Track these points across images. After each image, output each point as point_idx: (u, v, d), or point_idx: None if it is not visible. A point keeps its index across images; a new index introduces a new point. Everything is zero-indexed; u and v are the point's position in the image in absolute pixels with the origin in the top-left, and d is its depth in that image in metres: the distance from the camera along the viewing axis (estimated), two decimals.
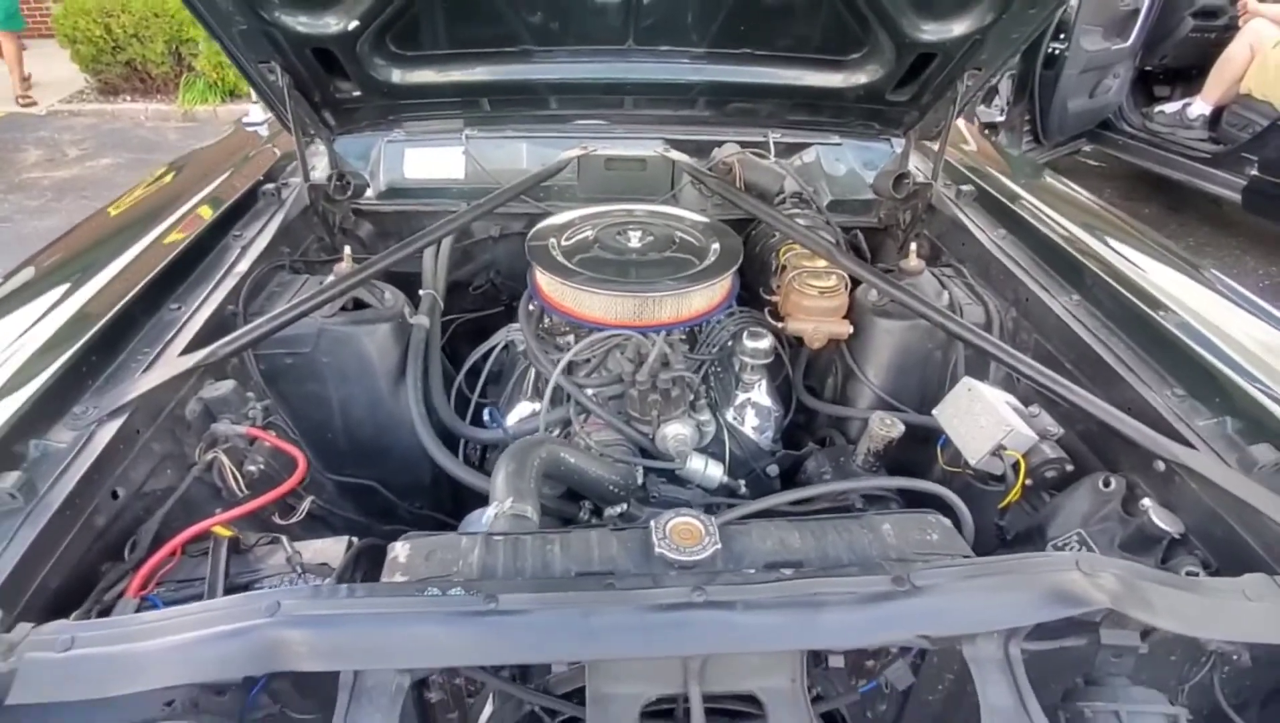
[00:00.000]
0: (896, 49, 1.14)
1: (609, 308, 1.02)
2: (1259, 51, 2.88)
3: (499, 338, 1.19)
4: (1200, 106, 3.21)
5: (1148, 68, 3.49)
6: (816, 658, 0.66)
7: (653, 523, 0.63)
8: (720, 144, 1.43)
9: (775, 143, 1.44)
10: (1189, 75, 3.47)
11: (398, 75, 1.16)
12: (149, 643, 0.53)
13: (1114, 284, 1.01)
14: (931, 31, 1.09)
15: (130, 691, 0.50)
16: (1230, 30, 3.12)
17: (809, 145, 1.48)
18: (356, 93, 1.18)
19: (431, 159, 1.40)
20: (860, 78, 1.22)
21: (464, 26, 1.10)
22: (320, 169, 1.27)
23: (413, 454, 1.06)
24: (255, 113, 1.72)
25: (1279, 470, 0.72)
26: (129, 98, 4.91)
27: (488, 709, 0.63)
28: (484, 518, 0.77)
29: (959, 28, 1.08)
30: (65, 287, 0.97)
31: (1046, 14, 1.07)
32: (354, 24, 1.02)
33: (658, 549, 0.61)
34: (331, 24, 1.01)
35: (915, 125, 1.32)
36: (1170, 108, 3.40)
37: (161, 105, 4.80)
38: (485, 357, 1.17)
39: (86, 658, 0.51)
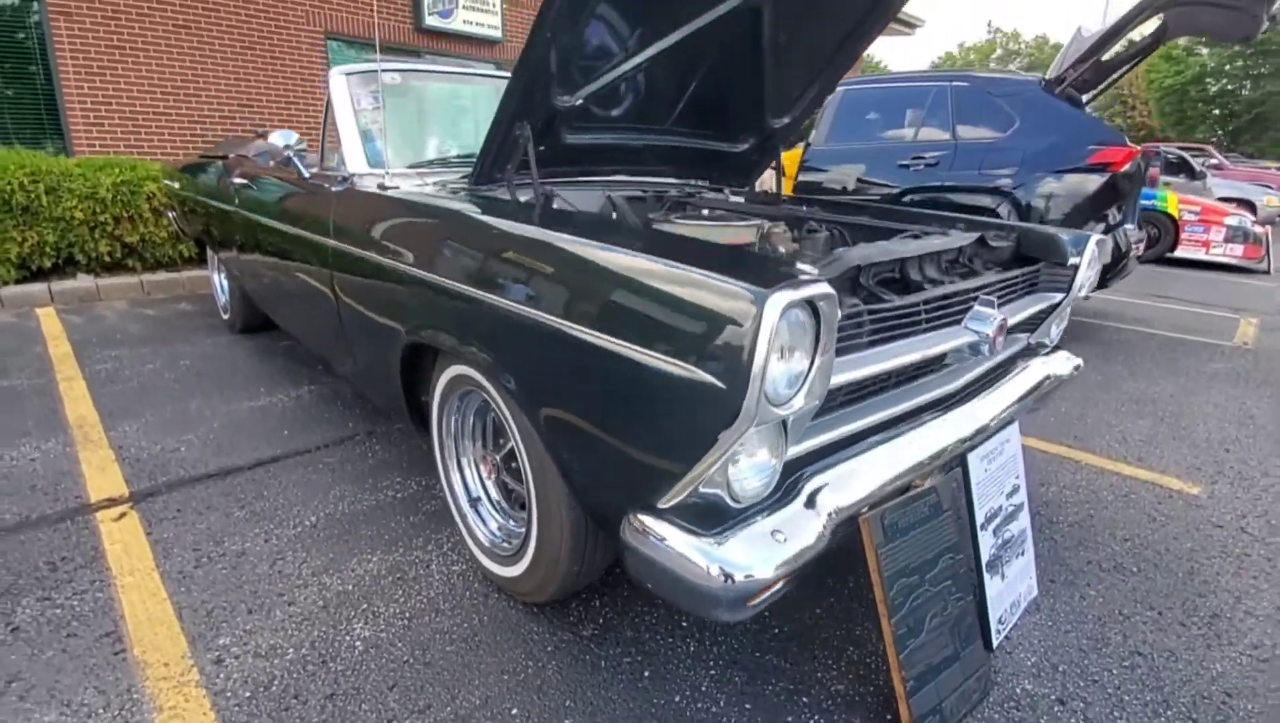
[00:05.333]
0: (760, 131, 2.46)
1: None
2: None
3: None
4: None
5: None
6: None
7: None
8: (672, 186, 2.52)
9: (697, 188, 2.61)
10: None
11: (570, 140, 1.93)
12: None
13: (879, 205, 2.45)
14: (776, 124, 2.44)
15: None
16: None
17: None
18: (541, 148, 1.88)
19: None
20: (745, 145, 2.50)
21: (598, 125, 1.97)
22: None
23: None
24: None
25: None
26: None
27: None
28: None
29: (783, 121, 2.46)
30: None
31: (810, 113, 2.52)
32: (579, 101, 1.81)
33: None
34: (574, 100, 1.78)
35: (754, 171, 2.66)
36: None
37: None
38: None
39: None
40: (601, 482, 1.26)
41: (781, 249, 2.11)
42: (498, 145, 1.77)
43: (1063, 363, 2.06)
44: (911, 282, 1.59)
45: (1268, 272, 8.21)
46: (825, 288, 0.96)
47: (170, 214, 4.62)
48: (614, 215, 2.29)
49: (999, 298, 1.74)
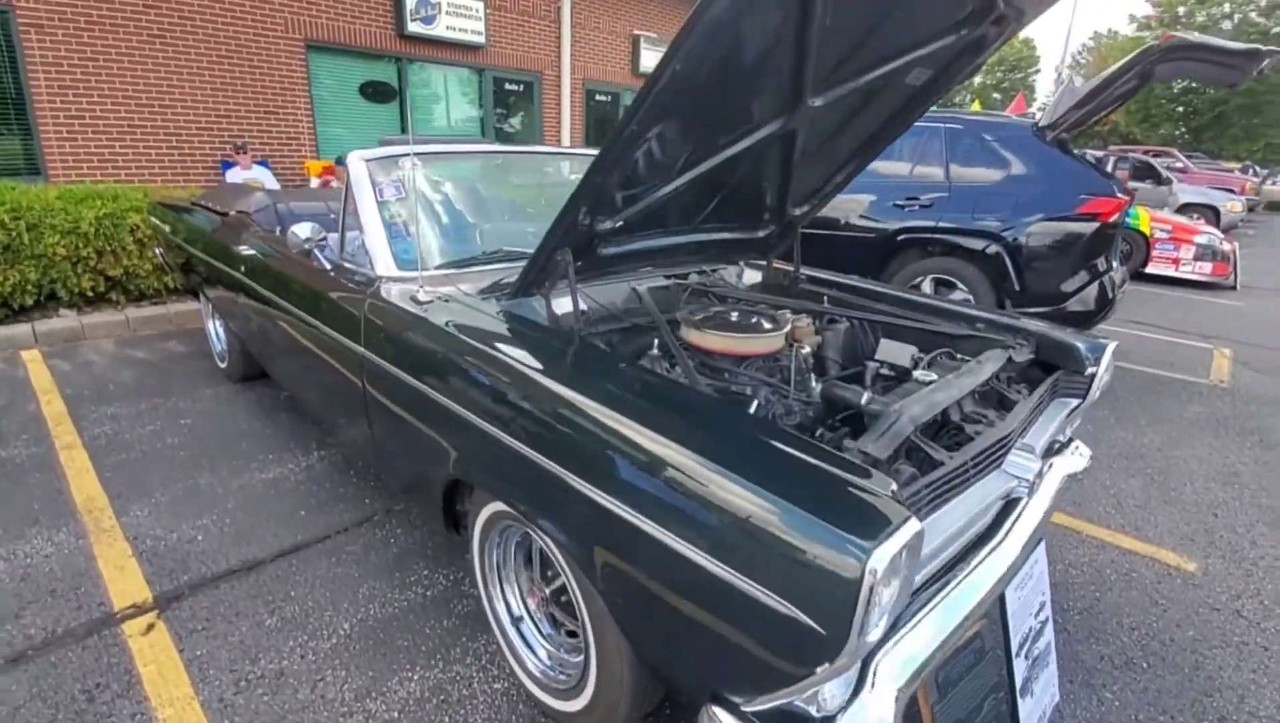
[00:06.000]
0: (781, 219, 2.48)
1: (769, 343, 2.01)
2: None
3: None
4: None
5: None
6: None
7: None
8: (697, 273, 2.54)
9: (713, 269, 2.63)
10: None
11: (605, 251, 1.93)
12: None
13: (895, 292, 2.50)
14: (796, 212, 2.46)
15: None
16: None
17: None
18: (579, 263, 1.88)
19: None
20: (766, 231, 2.52)
21: (634, 236, 1.98)
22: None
23: None
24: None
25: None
26: None
27: None
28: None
29: (802, 210, 2.49)
30: None
31: (822, 204, 2.55)
32: (620, 223, 1.82)
33: None
34: (613, 224, 1.79)
35: (772, 251, 2.69)
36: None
37: None
38: None
39: None
40: (669, 660, 1.29)
41: (807, 347, 2.15)
42: (539, 268, 1.78)
43: (1077, 459, 2.13)
44: (950, 422, 1.64)
45: (1234, 288, 8.52)
46: (917, 525, 1.00)
47: (156, 250, 4.49)
48: (640, 304, 2.32)
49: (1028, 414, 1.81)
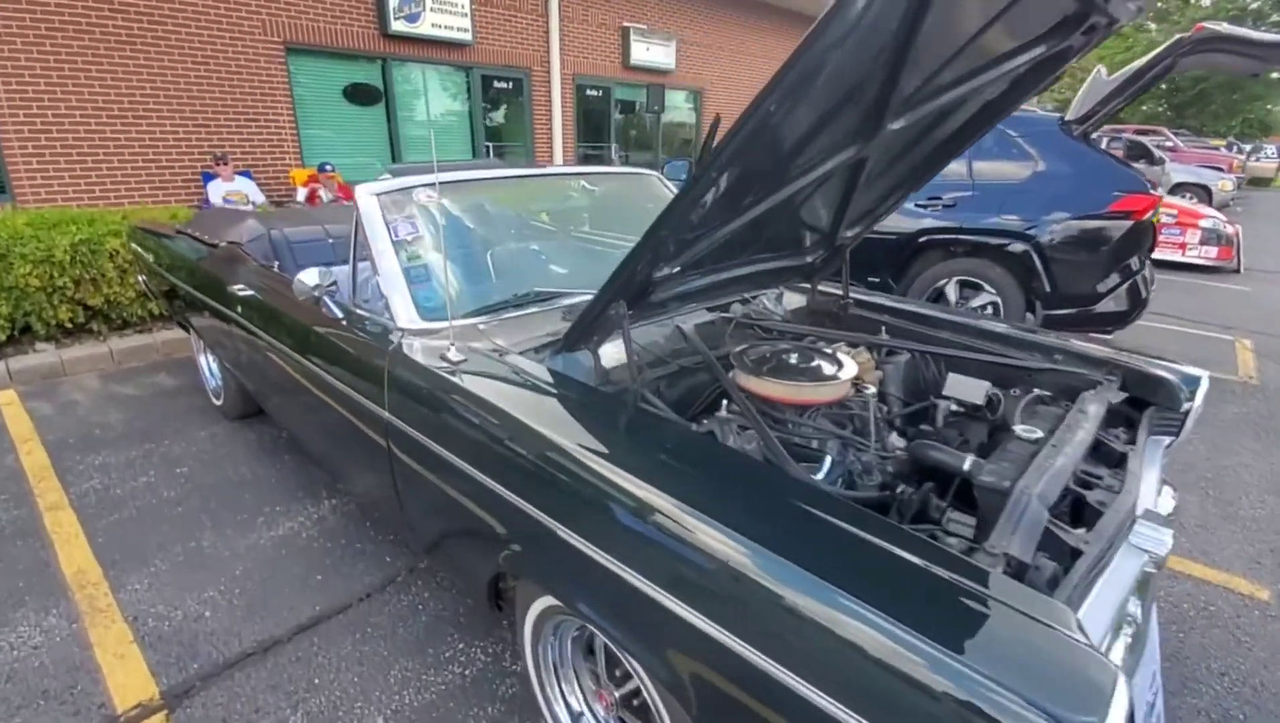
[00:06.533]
0: (831, 243, 2.29)
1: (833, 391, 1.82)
2: None
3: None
4: None
5: None
6: None
7: None
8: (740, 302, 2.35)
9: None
10: None
11: (656, 297, 1.72)
12: None
13: (958, 318, 2.32)
14: (847, 235, 2.27)
15: None
16: None
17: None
18: (630, 312, 1.68)
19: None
20: (813, 256, 2.32)
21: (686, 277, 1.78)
22: None
23: None
24: None
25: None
26: None
27: None
28: None
29: (853, 232, 2.29)
30: None
31: (872, 226, 2.36)
32: (676, 269, 1.61)
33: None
34: (670, 270, 1.59)
35: (817, 275, 2.49)
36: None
37: None
38: None
39: None
40: None
41: (871, 388, 1.97)
42: (591, 320, 1.58)
43: (1166, 500, 1.98)
44: (1070, 490, 1.47)
45: (1238, 271, 8.45)
46: (1125, 686, 0.82)
47: (140, 277, 4.21)
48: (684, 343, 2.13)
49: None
